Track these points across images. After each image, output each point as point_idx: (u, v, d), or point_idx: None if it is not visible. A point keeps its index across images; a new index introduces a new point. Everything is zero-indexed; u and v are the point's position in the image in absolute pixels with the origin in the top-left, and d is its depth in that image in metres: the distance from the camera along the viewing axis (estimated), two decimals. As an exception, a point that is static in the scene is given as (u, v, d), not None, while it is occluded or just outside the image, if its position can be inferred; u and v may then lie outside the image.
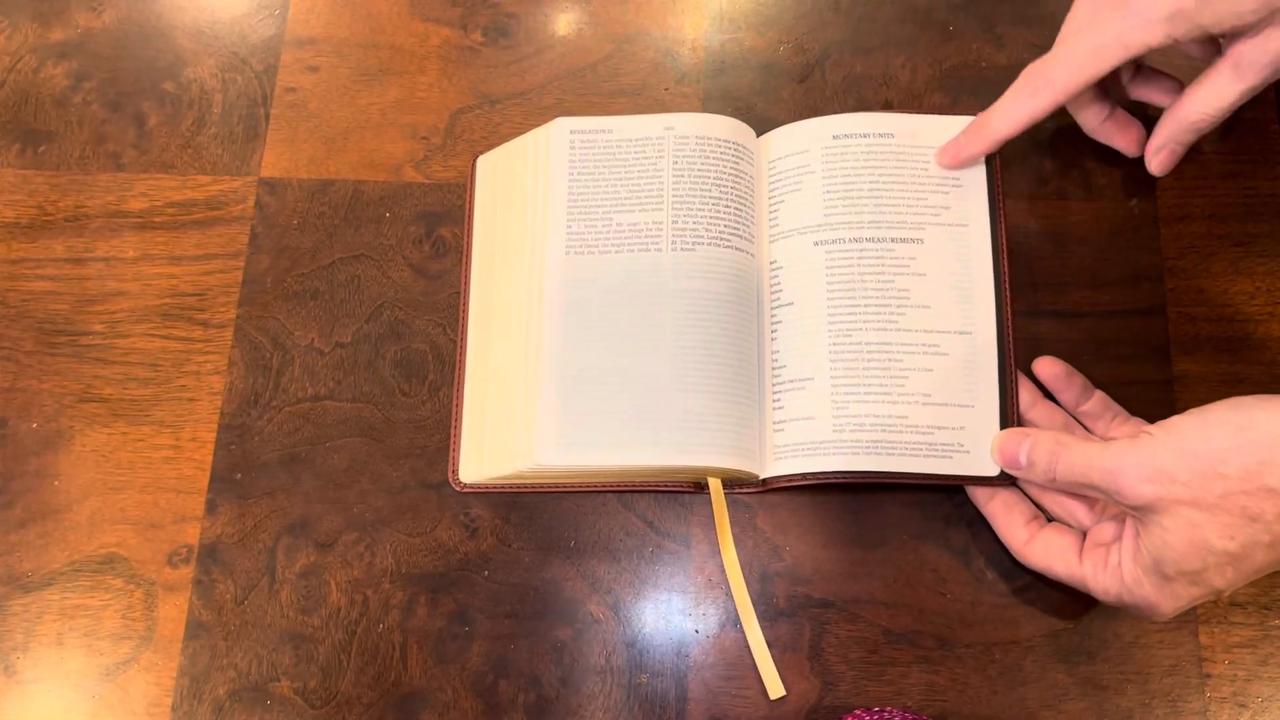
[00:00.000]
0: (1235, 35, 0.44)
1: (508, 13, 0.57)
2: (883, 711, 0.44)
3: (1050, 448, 0.42)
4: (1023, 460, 0.44)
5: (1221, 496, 0.37)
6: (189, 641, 0.48)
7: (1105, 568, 0.41)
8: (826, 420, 0.46)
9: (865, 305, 0.47)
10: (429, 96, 0.55)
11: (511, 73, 0.56)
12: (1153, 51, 0.44)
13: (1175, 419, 0.39)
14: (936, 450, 0.46)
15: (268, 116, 0.55)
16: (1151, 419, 0.49)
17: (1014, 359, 0.47)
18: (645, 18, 0.57)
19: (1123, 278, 0.51)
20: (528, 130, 0.53)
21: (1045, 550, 0.44)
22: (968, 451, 0.46)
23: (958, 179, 0.49)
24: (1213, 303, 0.51)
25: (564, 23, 0.57)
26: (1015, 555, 0.45)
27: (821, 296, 0.48)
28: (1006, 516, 0.45)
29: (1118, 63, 0.45)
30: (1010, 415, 0.46)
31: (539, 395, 0.46)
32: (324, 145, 0.55)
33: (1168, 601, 0.39)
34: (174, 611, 0.48)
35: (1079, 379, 0.48)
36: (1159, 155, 0.49)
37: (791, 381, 0.47)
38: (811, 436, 0.46)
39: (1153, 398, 0.49)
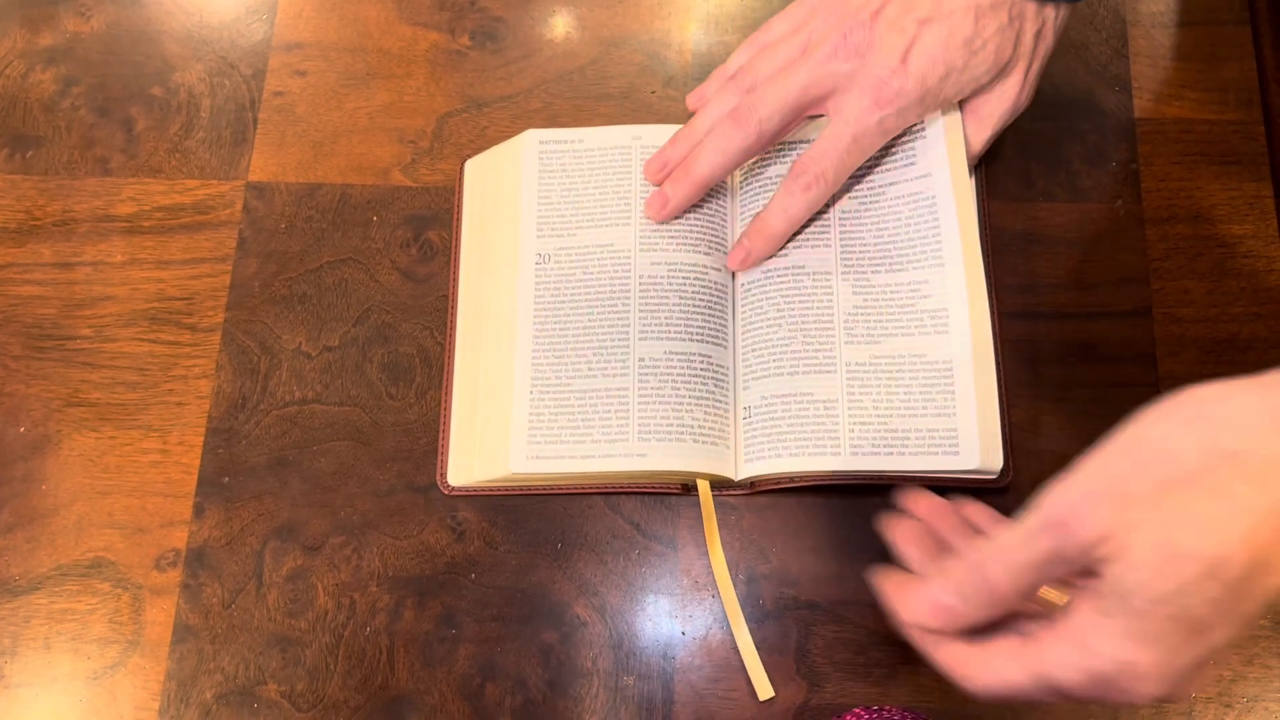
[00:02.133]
0: (973, 94, 0.47)
1: (495, 17, 0.57)
2: (881, 710, 0.44)
3: (973, 569, 0.34)
4: (954, 601, 0.34)
5: (1184, 483, 0.30)
6: (176, 645, 0.48)
7: (1062, 638, 0.32)
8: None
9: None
10: (416, 100, 0.56)
11: (499, 77, 0.56)
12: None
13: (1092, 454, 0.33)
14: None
15: (255, 121, 0.55)
16: (1137, 420, 0.49)
17: (1002, 356, 0.47)
18: (632, 21, 0.57)
19: (1108, 279, 0.51)
20: (515, 134, 0.53)
21: (998, 661, 0.34)
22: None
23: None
24: (1198, 304, 0.51)
25: (551, 27, 0.57)
26: (970, 688, 0.35)
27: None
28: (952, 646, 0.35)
29: (874, 148, 0.47)
30: (1002, 407, 0.46)
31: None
32: (311, 149, 0.55)
33: (1147, 654, 0.30)
34: (161, 615, 0.48)
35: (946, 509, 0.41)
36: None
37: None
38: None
39: (1139, 400, 0.49)
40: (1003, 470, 0.46)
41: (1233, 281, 0.51)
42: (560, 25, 0.57)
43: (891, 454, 0.46)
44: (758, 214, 0.48)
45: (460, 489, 0.49)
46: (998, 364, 0.47)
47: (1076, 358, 0.50)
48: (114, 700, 0.47)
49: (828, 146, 0.46)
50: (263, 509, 0.49)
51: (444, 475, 0.49)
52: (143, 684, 0.47)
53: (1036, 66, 0.47)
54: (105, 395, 0.51)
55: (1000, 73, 0.46)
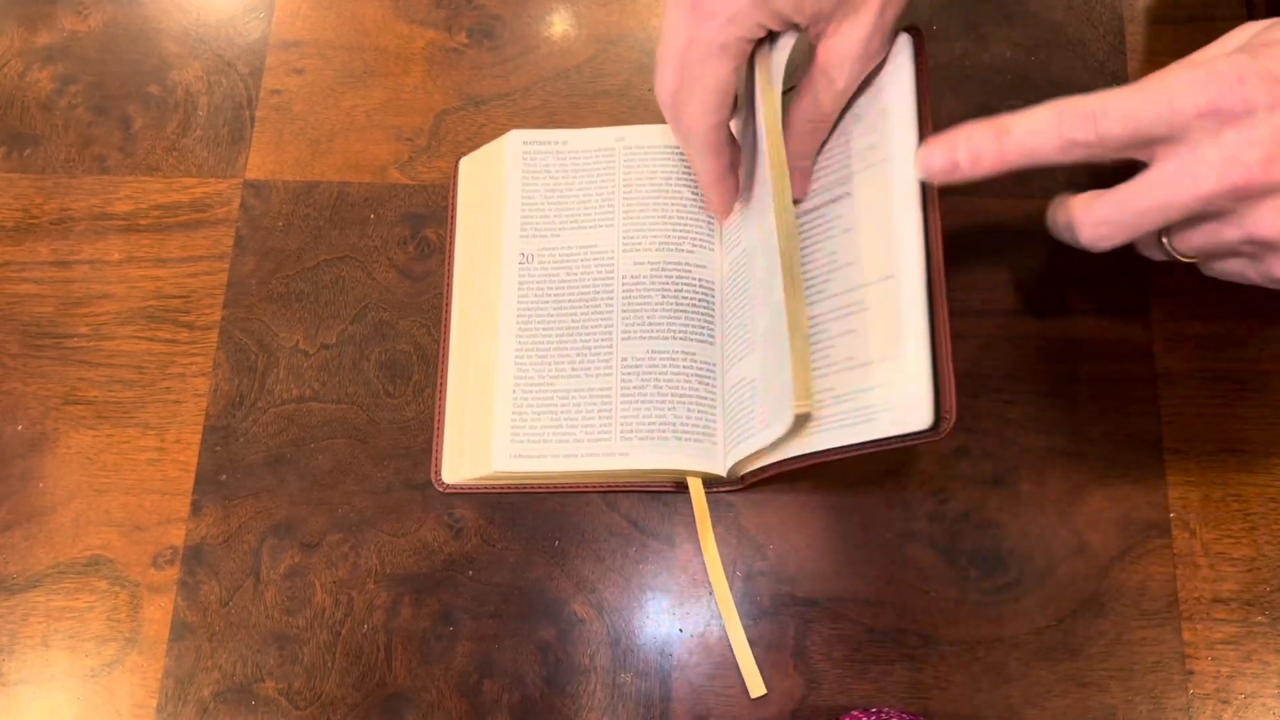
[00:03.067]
0: (818, 34, 0.42)
1: (492, 15, 0.57)
2: (879, 712, 0.44)
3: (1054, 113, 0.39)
4: (962, 158, 0.38)
5: None
6: (174, 643, 0.48)
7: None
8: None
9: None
10: (414, 98, 0.56)
11: (496, 74, 0.56)
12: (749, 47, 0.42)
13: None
14: (861, 414, 0.41)
15: (253, 119, 0.55)
16: (1137, 417, 0.49)
17: (945, 296, 0.40)
18: (629, 19, 0.57)
19: (1106, 276, 0.51)
20: (511, 131, 0.53)
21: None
22: (892, 409, 0.40)
23: (885, 111, 0.44)
24: (1195, 300, 0.51)
25: (548, 25, 0.57)
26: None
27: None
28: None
29: (726, 70, 0.42)
30: (942, 360, 0.40)
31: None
32: (309, 147, 0.55)
33: None
34: (159, 613, 0.48)
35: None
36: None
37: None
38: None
39: (1137, 395, 0.49)
40: (936, 421, 0.39)
41: (1230, 278, 0.51)
42: (557, 23, 0.57)
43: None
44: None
45: (454, 486, 0.49)
46: (941, 299, 0.40)
47: (1073, 354, 0.50)
48: (112, 698, 0.47)
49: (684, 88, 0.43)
50: (260, 507, 0.49)
51: (438, 473, 0.49)
52: (140, 681, 0.47)
53: (891, 14, 0.42)
54: (103, 393, 0.51)
55: (845, 4, 0.41)
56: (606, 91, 0.55)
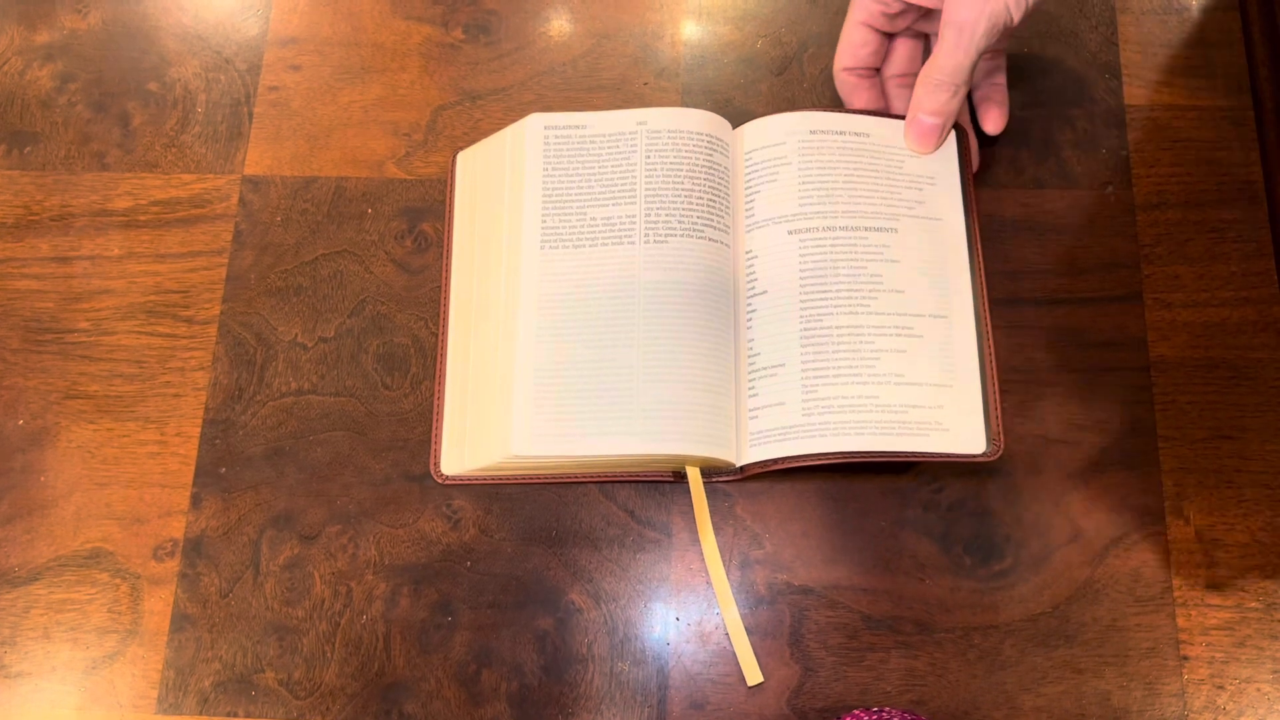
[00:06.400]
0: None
1: (488, 10, 0.57)
2: (881, 711, 0.44)
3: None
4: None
5: None
6: (174, 634, 0.48)
7: None
8: (796, 404, 0.46)
9: (837, 291, 0.48)
10: (410, 94, 0.56)
11: (492, 69, 0.56)
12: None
13: None
14: (910, 428, 0.45)
15: (251, 115, 0.56)
16: (1130, 405, 0.49)
17: (992, 344, 0.47)
18: (625, 13, 0.57)
19: (1099, 264, 0.51)
20: (508, 126, 0.53)
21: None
22: (946, 429, 0.46)
23: (932, 178, 0.50)
24: (1188, 288, 0.51)
25: (544, 20, 0.57)
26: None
27: (794, 284, 0.48)
28: None
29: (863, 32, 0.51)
30: (990, 396, 0.46)
31: (513, 387, 0.47)
32: (307, 143, 0.55)
33: None
34: (159, 605, 0.48)
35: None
36: (911, 126, 0.50)
37: (765, 369, 0.48)
38: (782, 421, 0.46)
39: (1130, 384, 0.50)
40: (989, 447, 0.46)
41: (1222, 266, 0.51)
42: (553, 18, 0.57)
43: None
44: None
45: (453, 478, 0.49)
46: (990, 347, 0.47)
47: (1067, 343, 0.50)
48: (113, 689, 0.47)
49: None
50: (259, 499, 0.50)
51: (436, 464, 0.49)
52: (141, 673, 0.48)
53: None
54: (103, 388, 0.52)
55: None
56: (603, 85, 0.56)
